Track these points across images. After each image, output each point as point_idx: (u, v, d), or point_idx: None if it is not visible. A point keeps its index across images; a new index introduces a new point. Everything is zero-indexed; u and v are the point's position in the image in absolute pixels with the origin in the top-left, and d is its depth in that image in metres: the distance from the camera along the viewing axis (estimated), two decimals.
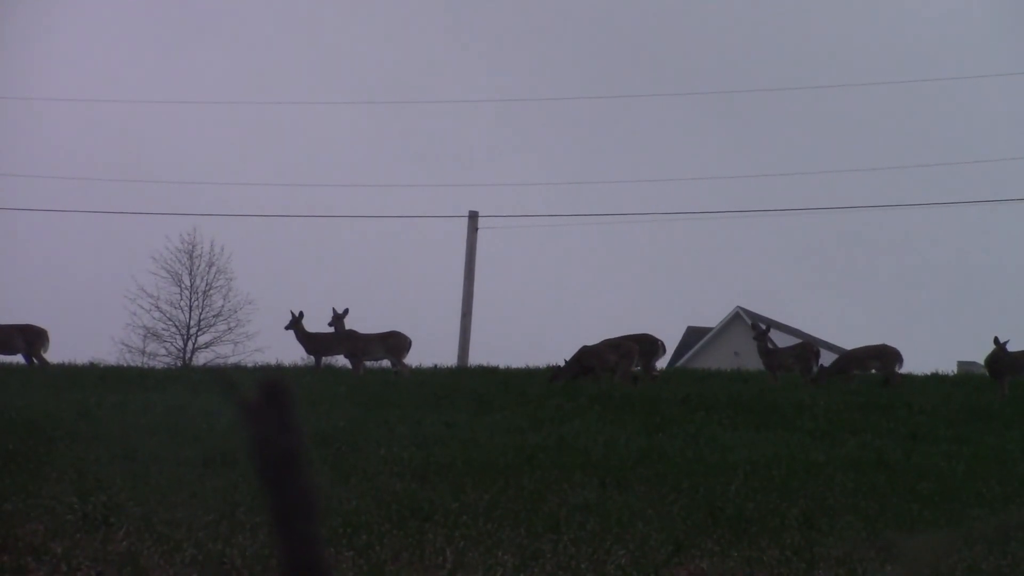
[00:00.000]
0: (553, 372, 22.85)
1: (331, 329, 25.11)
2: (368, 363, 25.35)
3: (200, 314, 54.26)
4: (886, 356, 23.97)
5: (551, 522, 10.26)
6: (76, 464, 11.91)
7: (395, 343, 24.89)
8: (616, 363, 23.19)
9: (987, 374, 23.49)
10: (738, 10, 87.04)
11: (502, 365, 25.83)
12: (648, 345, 23.57)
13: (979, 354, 25.09)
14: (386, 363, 25.65)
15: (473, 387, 20.43)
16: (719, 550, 9.69)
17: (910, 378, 25.91)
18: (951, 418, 17.97)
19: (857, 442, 15.35)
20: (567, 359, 23.03)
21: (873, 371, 24.16)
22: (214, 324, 54.29)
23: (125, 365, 31.13)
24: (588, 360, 23.12)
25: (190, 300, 54.26)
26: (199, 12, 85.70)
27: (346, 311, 25.00)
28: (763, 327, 24.99)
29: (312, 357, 25.65)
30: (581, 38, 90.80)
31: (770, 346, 24.61)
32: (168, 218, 63.31)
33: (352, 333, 25.03)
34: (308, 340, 25.25)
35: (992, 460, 14.22)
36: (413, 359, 25.46)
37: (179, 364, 48.40)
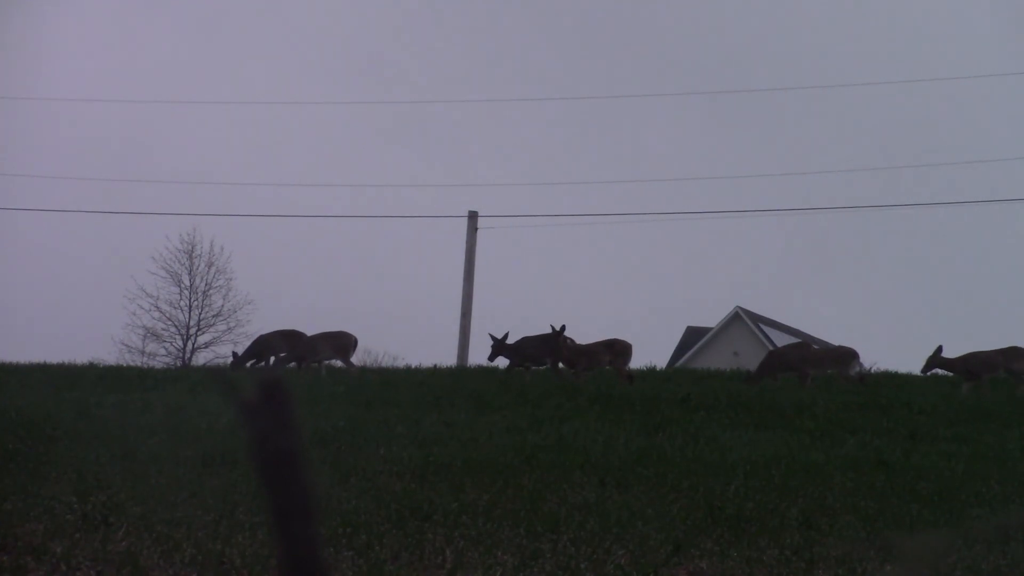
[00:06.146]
0: (559, 375, 23.34)
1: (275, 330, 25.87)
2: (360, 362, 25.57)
3: (200, 314, 54.29)
4: (842, 357, 24.14)
5: (551, 522, 10.25)
6: (76, 464, 11.91)
7: (340, 343, 25.08)
8: (610, 362, 23.68)
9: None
10: (737, 10, 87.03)
11: (501, 365, 25.85)
12: (553, 341, 24.05)
13: None
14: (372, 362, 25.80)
15: (473, 387, 20.44)
16: (719, 550, 9.68)
17: (910, 378, 25.93)
18: (950, 418, 17.97)
19: (856, 442, 15.35)
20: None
21: (829, 371, 24.15)
22: (214, 324, 54.33)
23: (125, 365, 31.14)
24: (579, 358, 23.53)
25: (190, 300, 54.29)
26: (199, 12, 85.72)
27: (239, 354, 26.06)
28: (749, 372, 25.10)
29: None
30: (581, 38, 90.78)
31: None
32: (168, 218, 63.34)
33: (295, 334, 25.26)
34: (255, 343, 25.66)
35: (992, 460, 14.21)
36: (413, 359, 25.63)
37: (179, 364, 48.42)
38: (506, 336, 24.43)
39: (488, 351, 24.86)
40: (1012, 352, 23.40)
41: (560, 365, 23.88)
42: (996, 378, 23.88)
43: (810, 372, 23.73)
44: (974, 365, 23.27)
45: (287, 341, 25.10)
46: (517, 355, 24.31)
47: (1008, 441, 15.81)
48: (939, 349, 23.54)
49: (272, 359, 25.13)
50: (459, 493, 11.24)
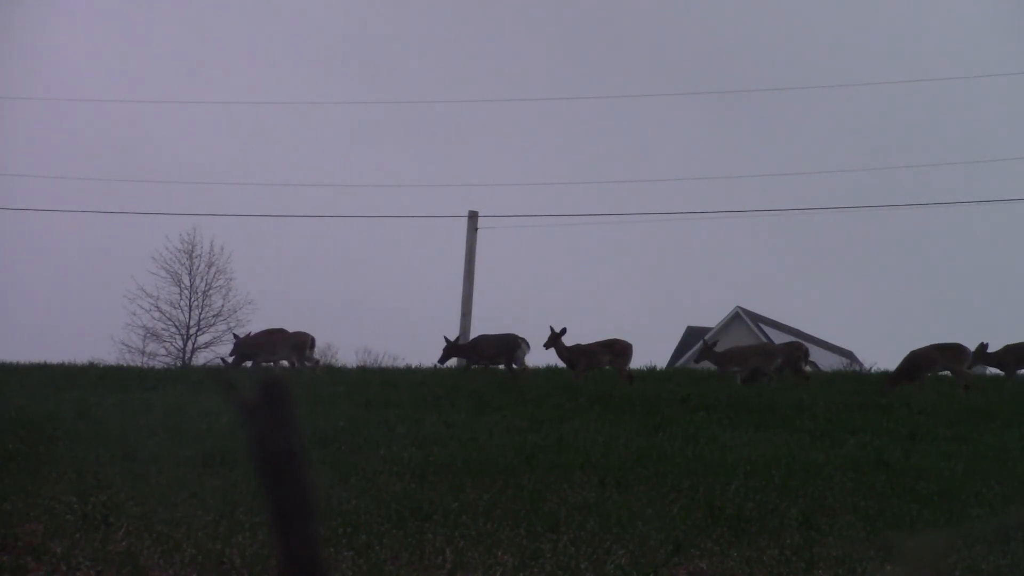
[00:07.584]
0: (572, 373, 23.53)
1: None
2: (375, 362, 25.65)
3: (200, 314, 54.31)
4: (767, 354, 24.36)
5: (551, 522, 10.25)
6: (76, 464, 11.91)
7: (295, 341, 25.29)
8: (610, 362, 23.83)
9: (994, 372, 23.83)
10: (738, 10, 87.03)
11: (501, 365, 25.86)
12: (511, 343, 24.14)
13: None
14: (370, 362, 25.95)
15: (473, 387, 20.44)
16: (719, 550, 9.68)
17: None
18: (951, 418, 17.96)
19: (857, 442, 15.34)
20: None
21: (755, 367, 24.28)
22: (214, 324, 54.35)
23: (125, 365, 31.16)
24: (578, 358, 23.70)
25: (190, 300, 54.32)
26: (199, 12, 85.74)
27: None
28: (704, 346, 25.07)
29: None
30: (581, 38, 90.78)
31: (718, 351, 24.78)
32: (168, 218, 63.37)
33: (276, 332, 25.46)
34: (237, 345, 25.74)
35: (992, 460, 14.20)
36: (413, 358, 25.78)
37: (179, 364, 48.41)
38: (458, 339, 24.66)
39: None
40: (953, 349, 23.35)
41: (514, 365, 24.05)
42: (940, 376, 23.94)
43: (736, 369, 23.91)
44: (913, 363, 23.20)
45: (268, 338, 25.34)
46: (474, 354, 24.47)
47: (1008, 441, 15.80)
48: (886, 374, 23.45)
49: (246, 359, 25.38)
50: (459, 493, 11.24)
